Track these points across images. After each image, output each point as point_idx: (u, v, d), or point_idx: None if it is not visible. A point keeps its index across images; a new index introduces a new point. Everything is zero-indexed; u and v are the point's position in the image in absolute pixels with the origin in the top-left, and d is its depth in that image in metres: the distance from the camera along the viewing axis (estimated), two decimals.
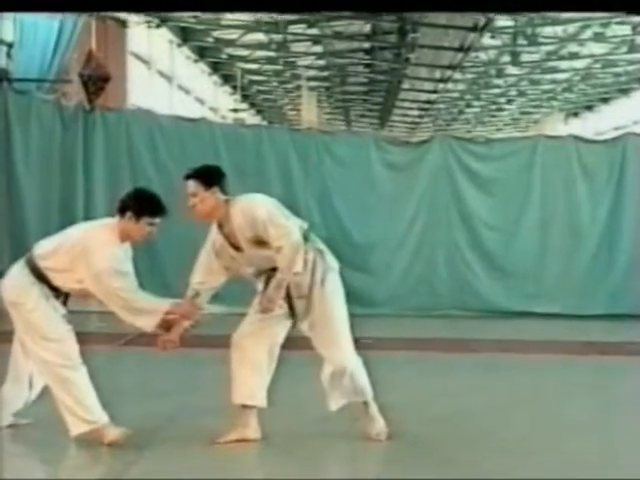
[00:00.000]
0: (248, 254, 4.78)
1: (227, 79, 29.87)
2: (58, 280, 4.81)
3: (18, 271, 4.94)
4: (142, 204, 4.81)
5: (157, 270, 10.62)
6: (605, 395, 6.69)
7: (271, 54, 26.56)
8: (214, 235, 4.89)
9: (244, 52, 26.78)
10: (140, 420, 5.32)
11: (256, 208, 4.71)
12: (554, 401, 6.28)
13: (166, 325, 4.75)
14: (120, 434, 4.69)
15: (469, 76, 27.31)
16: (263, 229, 4.65)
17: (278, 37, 24.18)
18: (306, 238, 4.78)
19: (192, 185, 4.78)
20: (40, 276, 4.82)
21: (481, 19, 17.65)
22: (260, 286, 4.87)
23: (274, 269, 4.73)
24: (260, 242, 4.70)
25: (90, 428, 4.65)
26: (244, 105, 31.99)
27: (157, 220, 4.84)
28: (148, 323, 4.69)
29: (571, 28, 22.15)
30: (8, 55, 13.88)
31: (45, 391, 4.94)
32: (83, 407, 4.67)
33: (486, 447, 4.92)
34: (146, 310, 4.68)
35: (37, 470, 4.44)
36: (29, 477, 4.31)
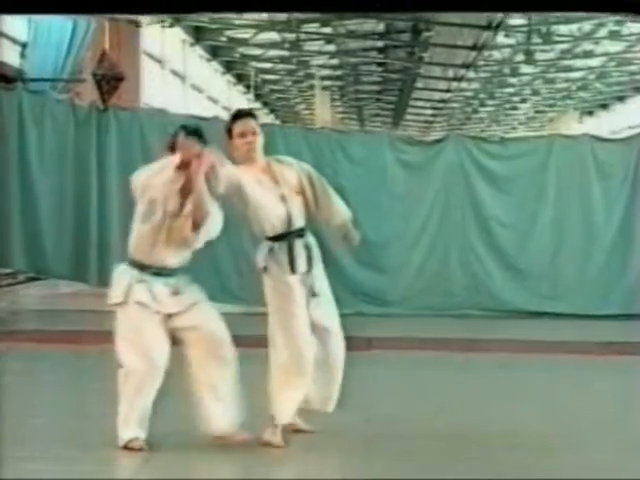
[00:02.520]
0: (290, 204, 4.89)
1: (240, 78, 29.91)
2: None
3: None
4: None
5: None
6: (620, 395, 6.66)
7: (284, 53, 26.57)
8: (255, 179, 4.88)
9: (257, 51, 26.81)
10: (152, 420, 5.32)
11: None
12: (570, 401, 6.24)
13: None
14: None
15: (483, 75, 27.23)
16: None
17: (291, 36, 24.20)
18: None
19: (254, 123, 4.93)
20: None
21: (495, 17, 17.59)
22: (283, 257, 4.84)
23: (301, 231, 4.85)
24: (301, 193, 4.92)
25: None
26: (257, 104, 32.00)
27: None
28: None
29: (586, 26, 22.07)
30: (22, 55, 13.94)
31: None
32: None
33: (501, 446, 4.91)
34: None
35: (49, 470, 4.42)
36: (41, 477, 4.30)
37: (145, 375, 4.67)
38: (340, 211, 5.10)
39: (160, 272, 4.82)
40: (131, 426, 4.63)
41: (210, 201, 4.75)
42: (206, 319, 4.83)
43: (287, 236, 4.88)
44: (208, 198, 4.72)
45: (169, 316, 4.78)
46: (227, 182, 4.75)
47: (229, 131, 4.99)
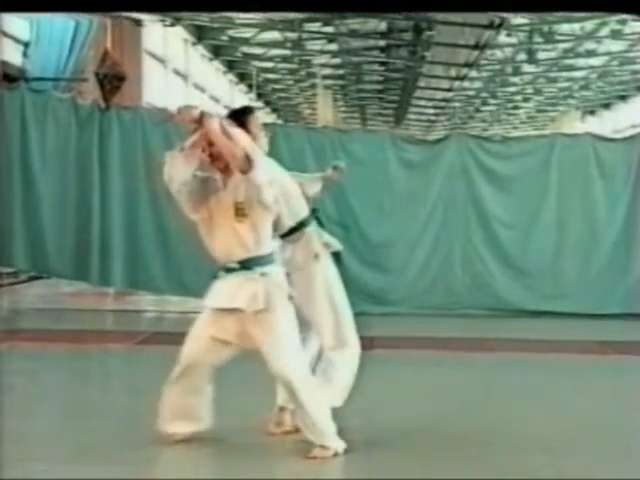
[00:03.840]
0: None
1: (242, 77, 29.90)
2: None
3: None
4: None
5: (173, 269, 10.64)
6: (622, 394, 6.65)
7: (286, 52, 26.56)
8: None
9: (259, 50, 26.80)
10: (156, 419, 5.32)
11: None
12: (572, 400, 6.23)
13: None
14: None
15: (485, 74, 27.22)
16: None
17: (293, 35, 24.19)
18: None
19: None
20: None
21: (497, 16, 17.57)
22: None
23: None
24: None
25: None
26: (259, 103, 32.01)
27: None
28: None
29: (588, 25, 22.04)
30: (24, 54, 13.96)
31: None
32: None
33: (502, 445, 4.91)
34: None
35: (51, 470, 4.42)
36: (43, 477, 4.29)
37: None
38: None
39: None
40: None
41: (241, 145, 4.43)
42: None
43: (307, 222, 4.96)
44: (232, 143, 4.43)
45: None
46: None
47: (243, 124, 4.74)
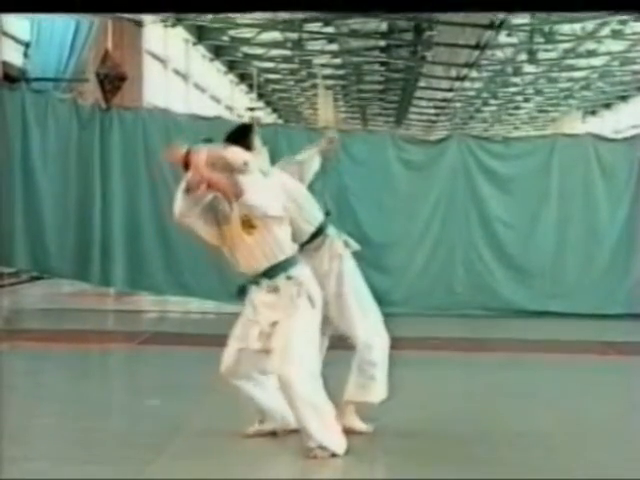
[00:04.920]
0: None
1: (243, 78, 29.92)
2: None
3: None
4: None
5: (174, 270, 10.63)
6: (624, 395, 6.64)
7: (287, 53, 26.58)
8: None
9: (260, 51, 26.82)
10: (158, 418, 5.32)
11: None
12: (573, 400, 6.23)
13: None
14: None
15: (485, 74, 27.23)
16: None
17: (294, 35, 24.21)
18: None
19: None
20: None
21: (497, 16, 17.58)
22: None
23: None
24: None
25: None
26: (260, 104, 32.02)
27: None
28: None
29: (589, 25, 22.04)
30: (25, 55, 13.96)
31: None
32: None
33: (503, 445, 4.91)
34: None
35: (52, 470, 4.42)
36: (44, 477, 4.29)
37: None
38: None
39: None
40: None
41: (232, 179, 4.54)
42: None
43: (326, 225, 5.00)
44: (225, 178, 4.55)
45: None
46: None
47: (248, 146, 4.82)
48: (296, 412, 4.56)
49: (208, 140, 4.80)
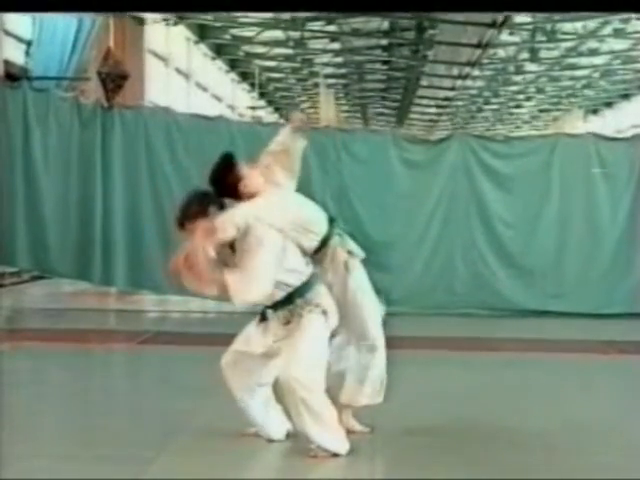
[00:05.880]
0: None
1: (245, 77, 29.92)
2: None
3: None
4: None
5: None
6: (624, 394, 6.64)
7: (289, 51, 26.58)
8: None
9: (261, 49, 26.82)
10: (158, 418, 5.33)
11: None
12: (573, 400, 6.23)
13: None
14: None
15: (487, 73, 27.21)
16: None
17: (296, 34, 24.20)
18: None
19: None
20: None
21: (499, 16, 17.57)
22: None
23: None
24: None
25: None
26: (262, 103, 32.02)
27: None
28: None
29: (591, 24, 22.03)
30: (27, 53, 13.98)
31: None
32: None
33: (504, 445, 4.91)
34: None
35: (53, 468, 4.43)
36: (45, 475, 4.30)
37: None
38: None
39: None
40: None
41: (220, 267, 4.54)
42: None
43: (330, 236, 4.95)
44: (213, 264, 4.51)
45: None
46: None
47: (234, 187, 4.75)
48: (297, 416, 4.56)
49: (228, 157, 4.78)
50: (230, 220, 4.57)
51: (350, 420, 5.01)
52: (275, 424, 4.85)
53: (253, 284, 4.49)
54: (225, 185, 4.74)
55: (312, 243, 4.86)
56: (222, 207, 4.66)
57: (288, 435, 4.87)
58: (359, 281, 5.07)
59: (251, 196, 4.74)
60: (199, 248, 4.45)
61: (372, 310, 5.10)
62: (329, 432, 4.58)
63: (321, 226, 4.91)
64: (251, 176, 4.79)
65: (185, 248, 4.52)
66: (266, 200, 4.76)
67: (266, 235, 4.56)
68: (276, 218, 4.66)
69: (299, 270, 4.67)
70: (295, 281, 4.64)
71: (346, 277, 4.97)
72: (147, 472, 4.34)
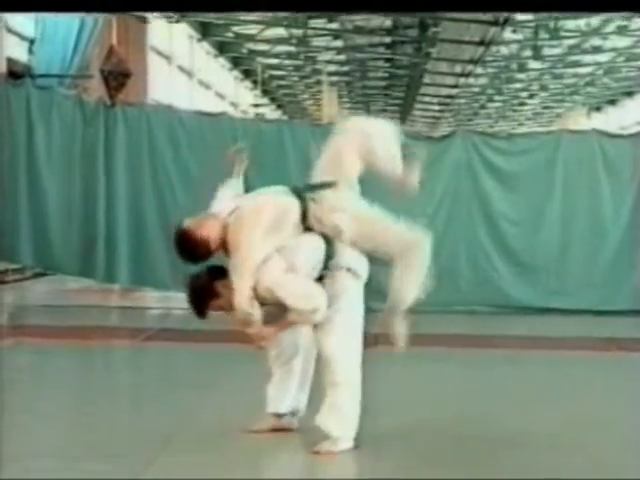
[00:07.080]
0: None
1: (247, 74, 29.93)
2: None
3: None
4: None
5: (178, 265, 10.59)
6: (629, 392, 6.63)
7: (291, 49, 26.58)
8: None
9: (264, 47, 26.81)
10: (161, 415, 5.33)
11: None
12: (577, 397, 6.22)
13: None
14: None
15: (490, 70, 27.18)
16: None
17: (298, 32, 24.21)
18: None
19: None
20: None
21: (502, 13, 17.56)
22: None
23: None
24: None
25: None
26: (265, 100, 32.02)
27: None
28: None
29: (594, 21, 22.00)
30: (30, 51, 13.99)
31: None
32: None
33: (504, 443, 4.89)
34: None
35: (54, 467, 4.42)
36: (47, 475, 4.30)
37: None
38: None
39: None
40: None
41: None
42: None
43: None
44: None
45: None
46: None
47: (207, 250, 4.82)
48: (334, 391, 4.60)
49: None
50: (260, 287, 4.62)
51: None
52: (288, 398, 4.85)
53: (308, 299, 4.66)
54: (198, 257, 4.83)
55: (314, 272, 4.92)
56: (222, 271, 4.73)
57: (293, 414, 4.87)
58: (352, 304, 5.15)
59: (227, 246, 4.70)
60: (244, 323, 4.63)
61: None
62: (342, 423, 4.59)
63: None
64: (210, 232, 4.76)
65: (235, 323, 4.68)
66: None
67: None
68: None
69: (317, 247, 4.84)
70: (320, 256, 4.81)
71: (342, 299, 4.99)
72: (150, 469, 4.34)
